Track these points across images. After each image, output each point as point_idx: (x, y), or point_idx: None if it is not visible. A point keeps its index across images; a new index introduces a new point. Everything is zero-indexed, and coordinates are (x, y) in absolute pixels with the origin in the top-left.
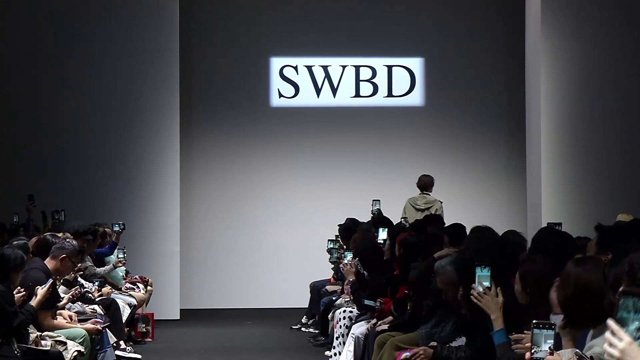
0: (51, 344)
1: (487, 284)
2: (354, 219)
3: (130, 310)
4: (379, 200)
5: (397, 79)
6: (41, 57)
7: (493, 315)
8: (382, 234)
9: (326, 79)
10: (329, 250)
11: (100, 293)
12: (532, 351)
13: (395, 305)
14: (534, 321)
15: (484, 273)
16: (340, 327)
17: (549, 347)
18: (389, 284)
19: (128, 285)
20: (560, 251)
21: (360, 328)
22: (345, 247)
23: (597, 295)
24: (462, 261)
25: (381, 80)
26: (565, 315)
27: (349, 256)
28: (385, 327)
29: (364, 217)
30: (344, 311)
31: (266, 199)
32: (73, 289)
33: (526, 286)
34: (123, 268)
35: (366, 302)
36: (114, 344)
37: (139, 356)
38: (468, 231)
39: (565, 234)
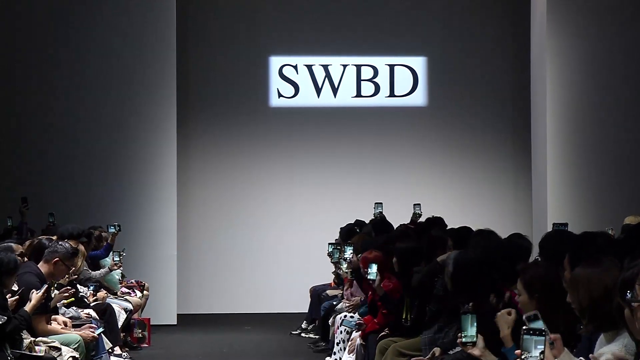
0: (45, 350)
1: (472, 332)
2: (362, 221)
3: (126, 315)
4: (381, 204)
5: (400, 79)
6: (36, 56)
7: None
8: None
9: (327, 79)
10: (330, 254)
11: (95, 298)
12: (523, 357)
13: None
14: (524, 327)
15: (470, 320)
16: (341, 332)
17: (540, 353)
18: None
19: (124, 289)
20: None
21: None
22: None
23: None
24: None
25: (383, 79)
26: (591, 320)
27: (349, 250)
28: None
29: (366, 220)
30: (345, 316)
31: (265, 201)
32: (64, 288)
33: (533, 294)
34: (119, 271)
35: (344, 322)
36: (110, 350)
37: None
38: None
39: (572, 234)
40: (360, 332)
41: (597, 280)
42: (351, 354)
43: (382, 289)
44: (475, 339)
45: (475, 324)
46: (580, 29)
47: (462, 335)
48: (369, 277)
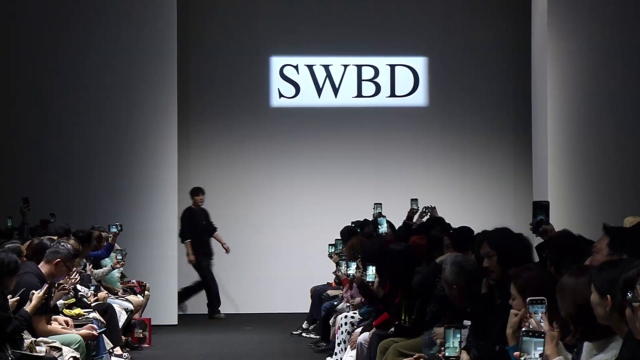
0: (46, 350)
1: (455, 345)
2: (367, 220)
3: (127, 316)
4: (380, 204)
5: (400, 79)
6: (36, 57)
7: None
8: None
9: (327, 79)
10: (330, 255)
11: (96, 298)
12: (522, 359)
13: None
14: (523, 329)
15: (453, 333)
16: (342, 332)
17: (539, 355)
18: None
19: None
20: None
21: (363, 334)
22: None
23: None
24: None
25: (384, 79)
26: (576, 328)
27: (353, 266)
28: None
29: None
30: (346, 316)
31: (266, 202)
32: (61, 286)
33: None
34: (117, 271)
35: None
36: (110, 350)
37: None
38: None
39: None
40: (361, 328)
41: (582, 289)
42: (353, 351)
43: (382, 290)
44: (458, 352)
45: (458, 336)
46: (580, 28)
47: (445, 348)
48: (367, 280)
